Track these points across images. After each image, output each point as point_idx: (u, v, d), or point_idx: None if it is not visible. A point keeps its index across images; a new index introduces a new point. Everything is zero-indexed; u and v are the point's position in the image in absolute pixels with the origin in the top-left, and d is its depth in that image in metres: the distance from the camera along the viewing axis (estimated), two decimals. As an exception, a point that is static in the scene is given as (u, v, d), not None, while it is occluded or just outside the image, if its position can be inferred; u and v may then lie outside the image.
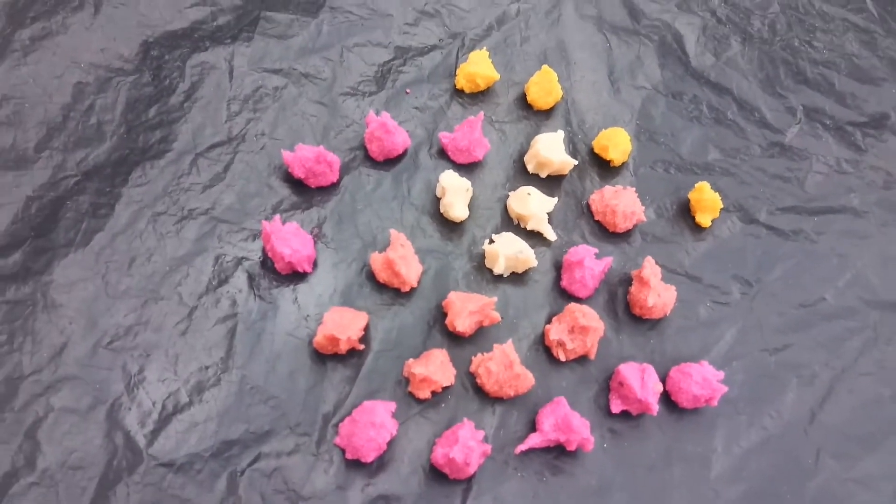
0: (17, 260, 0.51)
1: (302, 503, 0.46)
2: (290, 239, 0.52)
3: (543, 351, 0.54)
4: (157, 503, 0.44)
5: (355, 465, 0.48)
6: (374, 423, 0.46)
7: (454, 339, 0.54)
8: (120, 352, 0.49)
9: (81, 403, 0.47)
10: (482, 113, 0.58)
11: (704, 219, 0.61)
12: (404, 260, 0.53)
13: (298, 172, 0.56)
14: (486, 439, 0.50)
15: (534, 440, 0.49)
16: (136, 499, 0.44)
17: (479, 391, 0.52)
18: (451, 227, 0.58)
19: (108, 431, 0.46)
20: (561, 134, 0.61)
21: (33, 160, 0.55)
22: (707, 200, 0.61)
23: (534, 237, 0.59)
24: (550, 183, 0.61)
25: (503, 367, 0.50)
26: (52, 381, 0.47)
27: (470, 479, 0.49)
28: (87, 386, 0.47)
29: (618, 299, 0.57)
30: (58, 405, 0.46)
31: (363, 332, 0.51)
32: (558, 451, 0.50)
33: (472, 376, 0.52)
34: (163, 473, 0.45)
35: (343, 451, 0.48)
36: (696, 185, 0.62)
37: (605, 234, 0.60)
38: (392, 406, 0.49)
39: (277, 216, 0.53)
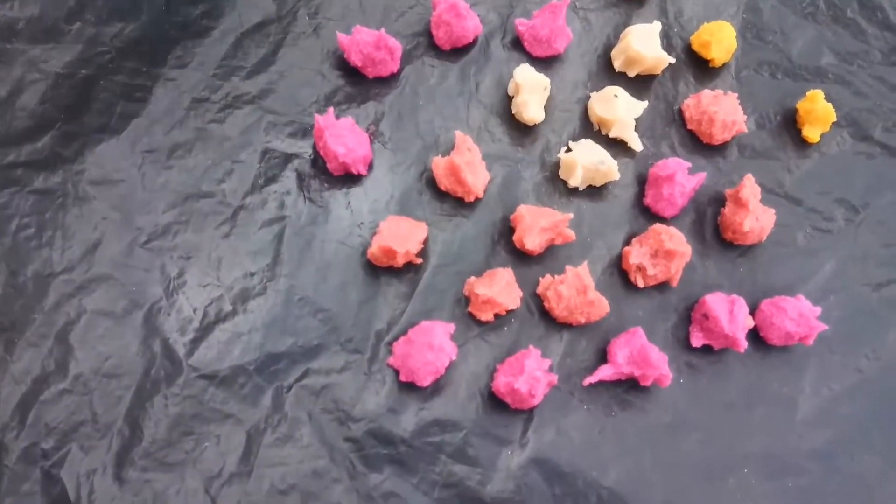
0: (46, 144, 0.46)
1: (351, 423, 0.43)
2: (345, 136, 0.46)
3: (619, 275, 0.49)
4: (197, 416, 0.41)
5: (409, 387, 0.44)
6: (431, 346, 0.42)
7: (521, 258, 0.48)
8: (158, 252, 0.45)
9: (117, 306, 0.43)
10: (567, -4, 0.50)
11: (813, 133, 0.54)
12: (470, 166, 0.47)
13: (355, 59, 0.50)
14: (551, 368, 0.46)
15: (605, 372, 0.45)
16: (174, 411, 0.41)
17: (546, 315, 0.47)
18: (523, 131, 0.52)
19: (146, 338, 0.43)
20: (657, 25, 0.53)
21: (63, 32, 0.49)
22: (819, 111, 0.53)
23: (616, 146, 0.52)
24: (639, 84, 0.54)
25: (576, 291, 0.45)
26: (85, 280, 0.43)
27: (532, 410, 0.45)
28: (123, 288, 0.44)
29: (706, 220, 0.51)
30: (91, 307, 0.43)
31: (422, 245, 0.46)
32: (629, 385, 0.46)
33: (538, 298, 0.47)
34: (204, 386, 0.42)
35: (397, 372, 0.44)
36: (807, 94, 0.54)
37: (698, 145, 0.52)
38: (451, 327, 0.44)
39: (331, 109, 0.47)
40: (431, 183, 0.49)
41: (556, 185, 0.51)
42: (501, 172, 0.50)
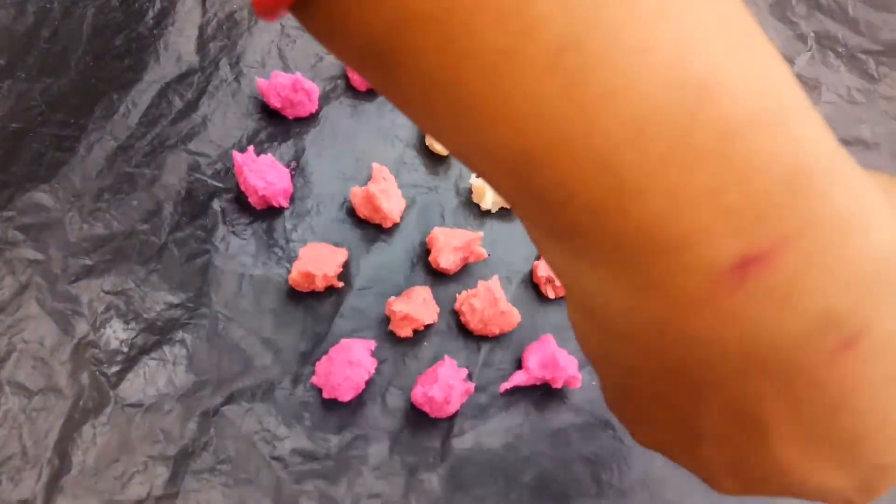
0: (-24, 194, 0.48)
1: (277, 442, 0.44)
2: (265, 172, 0.49)
3: (532, 288, 0.52)
4: (124, 444, 0.43)
5: (333, 404, 0.46)
6: (351, 362, 0.44)
7: (439, 277, 0.51)
8: (86, 290, 0.47)
9: (45, 343, 0.45)
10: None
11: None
12: (385, 193, 0.51)
13: (274, 102, 0.53)
14: (470, 377, 0.48)
15: (519, 378, 0.47)
16: (102, 440, 0.43)
17: (464, 329, 0.50)
18: (437, 161, 0.55)
19: (73, 372, 0.44)
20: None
21: (-7, 90, 0.52)
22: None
23: (524, 170, 0.56)
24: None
25: (488, 303, 0.48)
26: (14, 321, 0.45)
27: (452, 418, 0.47)
28: (51, 325, 0.45)
29: (611, 235, 0.55)
30: (20, 345, 0.44)
31: (342, 269, 0.49)
32: (545, 390, 0.48)
33: (456, 314, 0.50)
34: (130, 415, 0.44)
35: (320, 391, 0.46)
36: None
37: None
38: (371, 344, 0.47)
39: (251, 147, 0.50)
40: (352, 212, 0.52)
41: (470, 209, 0.54)
42: (419, 200, 0.54)
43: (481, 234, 0.50)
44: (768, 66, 0.20)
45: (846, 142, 0.63)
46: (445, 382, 0.45)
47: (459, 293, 0.51)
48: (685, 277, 0.20)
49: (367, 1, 0.19)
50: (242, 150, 0.52)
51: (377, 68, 0.21)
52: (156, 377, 0.45)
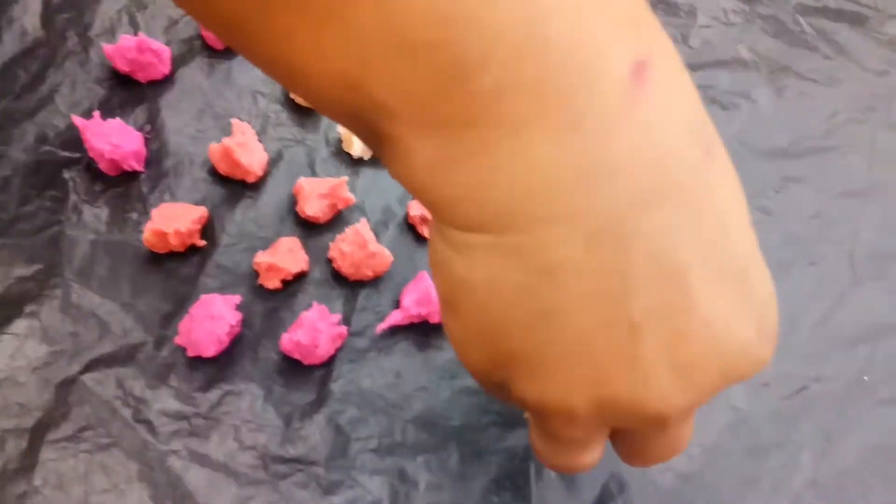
0: None
1: (142, 406, 0.43)
2: (111, 135, 0.47)
3: (409, 231, 0.51)
4: (-24, 422, 0.41)
5: (199, 362, 0.44)
6: (212, 316, 0.43)
7: (309, 228, 0.50)
8: (-72, 271, 0.45)
9: None
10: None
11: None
12: (244, 147, 0.49)
13: (122, 66, 0.51)
14: (347, 323, 0.47)
15: (395, 317, 0.46)
16: (-49, 420, 0.41)
17: (339, 276, 0.49)
18: (304, 114, 0.54)
19: (-85, 353, 0.42)
20: None
21: None
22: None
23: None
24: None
25: (357, 247, 0.47)
26: None
27: (330, 364, 0.46)
28: None
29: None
30: None
31: (199, 227, 0.47)
32: (426, 328, 0.47)
33: (330, 262, 0.49)
34: (-15, 392, 0.42)
35: (185, 351, 0.44)
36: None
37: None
38: (236, 299, 0.45)
39: (97, 113, 0.48)
40: (213, 171, 0.51)
41: (342, 158, 0.53)
42: (286, 153, 0.52)
43: (345, 178, 0.49)
44: None
45: (725, 62, 0.63)
46: (312, 326, 0.43)
47: (332, 241, 0.49)
48: (603, 95, 0.20)
49: None
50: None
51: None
52: (8, 351, 0.43)
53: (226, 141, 0.49)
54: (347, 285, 0.49)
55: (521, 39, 0.19)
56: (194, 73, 0.54)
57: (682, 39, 0.63)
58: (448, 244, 0.24)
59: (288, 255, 0.47)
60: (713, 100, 0.60)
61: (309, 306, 0.46)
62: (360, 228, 0.48)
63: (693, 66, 0.61)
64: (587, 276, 0.22)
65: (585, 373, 0.24)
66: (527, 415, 0.39)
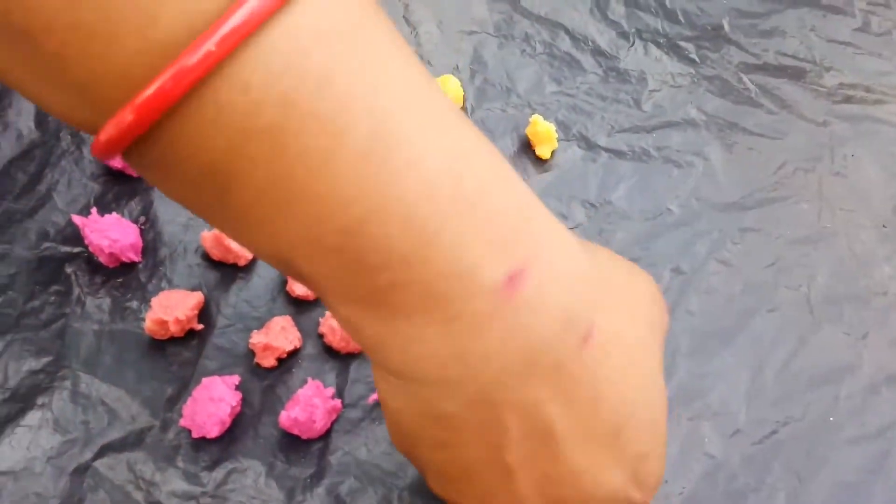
0: None
1: (152, 488, 0.45)
2: (108, 230, 0.50)
3: (393, 301, 0.54)
4: (-6, 513, 0.43)
5: (204, 443, 0.47)
6: (212, 398, 0.46)
7: (301, 305, 0.53)
8: (-59, 370, 0.47)
9: None
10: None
11: (544, 151, 0.62)
12: (236, 233, 0.53)
13: (115, 162, 0.55)
14: (340, 395, 0.50)
15: (385, 388, 0.49)
16: (-30, 513, 0.43)
17: (331, 350, 0.52)
18: (289, 196, 0.58)
19: (-66, 451, 0.44)
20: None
21: None
22: (541, 132, 0.62)
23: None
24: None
25: (346, 322, 0.50)
26: None
27: (326, 437, 0.48)
28: None
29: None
30: None
31: (196, 312, 0.50)
32: (415, 396, 0.51)
33: (321, 337, 0.52)
34: (2, 483, 0.44)
35: (190, 433, 0.47)
36: (530, 120, 0.62)
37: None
38: (235, 379, 0.48)
39: (94, 210, 0.51)
40: (206, 256, 0.54)
41: (326, 237, 0.56)
42: (274, 236, 0.56)
43: (333, 257, 0.52)
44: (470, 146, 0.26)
45: (676, 123, 0.67)
46: (308, 402, 0.46)
47: (323, 317, 0.53)
48: (476, 299, 0.25)
49: (210, 124, 0.22)
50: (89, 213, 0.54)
51: (209, 190, 0.24)
52: (23, 443, 0.45)
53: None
54: (339, 358, 0.52)
55: (409, 253, 0.24)
56: (184, 165, 0.57)
57: (635, 104, 0.67)
58: (376, 369, 0.30)
59: (281, 334, 0.50)
60: (668, 159, 0.65)
61: (304, 382, 0.49)
62: (349, 304, 0.51)
63: (647, 129, 0.66)
64: (470, 425, 0.28)
65: (476, 494, 0.30)
66: None
